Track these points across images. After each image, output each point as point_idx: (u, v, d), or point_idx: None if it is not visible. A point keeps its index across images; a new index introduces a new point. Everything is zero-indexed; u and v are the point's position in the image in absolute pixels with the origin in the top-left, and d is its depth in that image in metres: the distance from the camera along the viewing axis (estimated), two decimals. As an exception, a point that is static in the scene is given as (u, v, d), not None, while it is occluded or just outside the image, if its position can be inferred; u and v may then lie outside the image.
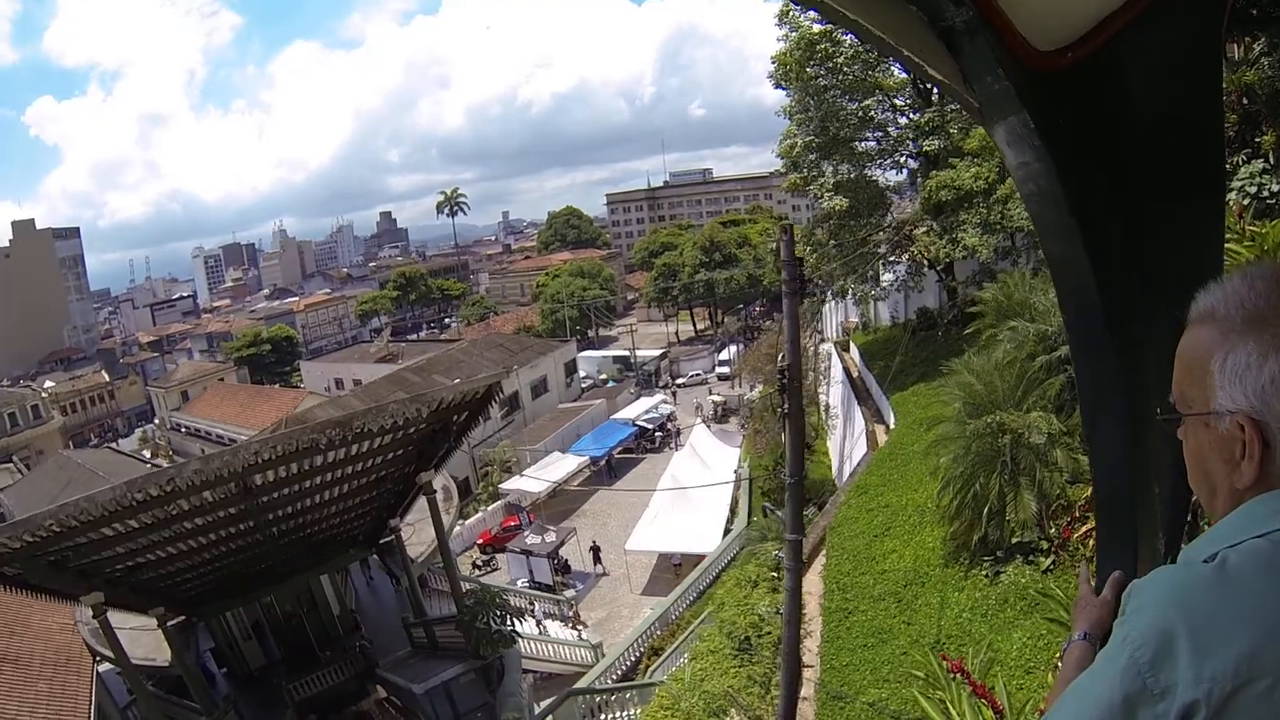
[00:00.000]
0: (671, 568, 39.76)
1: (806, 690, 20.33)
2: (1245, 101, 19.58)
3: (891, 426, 32.33)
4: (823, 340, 38.79)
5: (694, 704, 18.84)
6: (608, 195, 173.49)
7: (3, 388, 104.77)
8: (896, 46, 2.18)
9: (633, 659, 28.48)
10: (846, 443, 38.52)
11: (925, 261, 38.16)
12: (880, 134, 38.71)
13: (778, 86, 39.00)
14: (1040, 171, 2.02)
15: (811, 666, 21.06)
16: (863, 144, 38.65)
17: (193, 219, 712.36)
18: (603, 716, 21.57)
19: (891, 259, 40.92)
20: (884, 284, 41.34)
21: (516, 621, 17.49)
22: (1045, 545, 16.53)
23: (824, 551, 25.39)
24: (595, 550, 44.00)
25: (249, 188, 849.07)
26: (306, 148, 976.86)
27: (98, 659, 27.77)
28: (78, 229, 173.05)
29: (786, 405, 12.19)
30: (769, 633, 20.96)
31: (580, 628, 34.28)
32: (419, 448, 17.55)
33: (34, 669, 27.33)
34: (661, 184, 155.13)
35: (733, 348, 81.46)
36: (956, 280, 38.65)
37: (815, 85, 36.78)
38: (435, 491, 19.37)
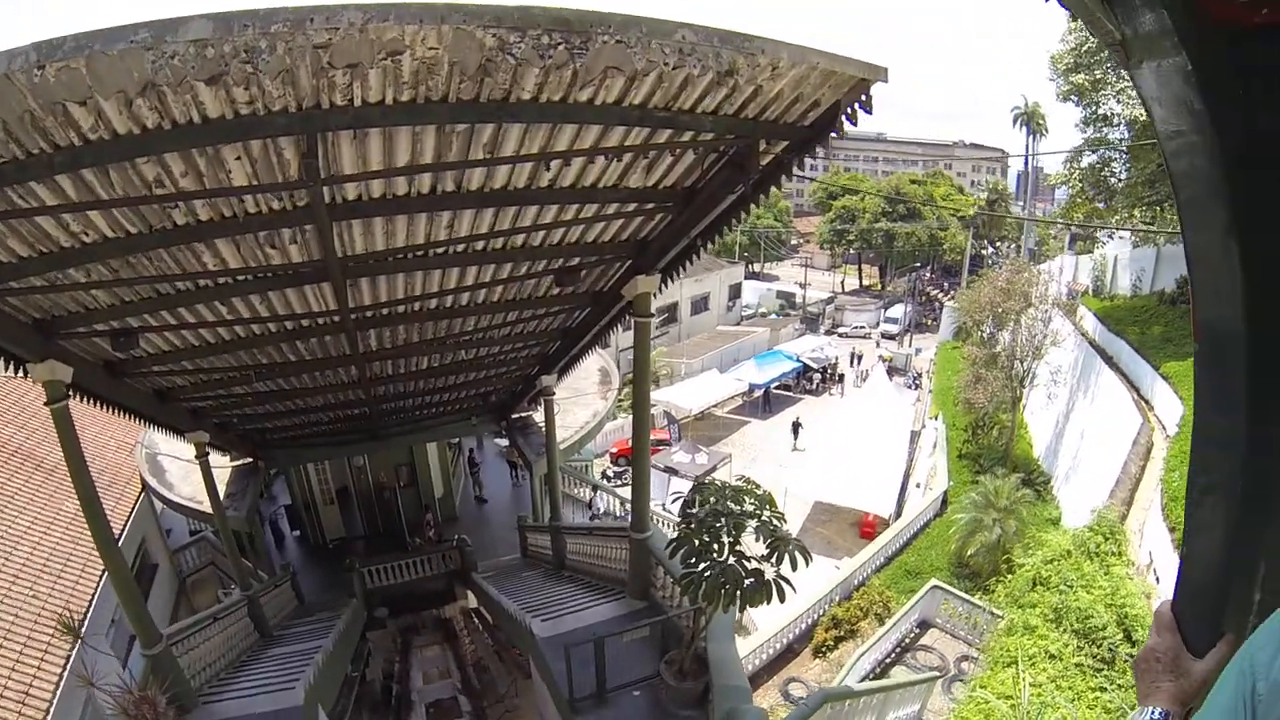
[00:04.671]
0: (830, 521, 33.11)
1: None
2: None
3: (1164, 400, 24.84)
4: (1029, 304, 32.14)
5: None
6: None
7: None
8: None
9: (805, 625, 22.55)
10: (1079, 414, 30.62)
11: None
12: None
13: None
14: (1198, 148, 1.50)
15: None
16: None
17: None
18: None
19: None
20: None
21: (800, 559, 8.58)
22: None
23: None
24: (796, 427, 42.53)
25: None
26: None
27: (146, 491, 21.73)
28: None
29: None
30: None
31: None
32: (661, 205, 8.80)
33: (67, 484, 21.51)
34: (837, 136, 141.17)
35: (901, 307, 72.78)
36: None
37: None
38: (652, 316, 11.05)
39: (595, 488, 28.82)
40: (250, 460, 19.47)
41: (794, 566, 8.43)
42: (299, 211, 6.60)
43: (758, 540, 8.82)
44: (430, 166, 6.24)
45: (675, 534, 9.49)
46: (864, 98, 6.83)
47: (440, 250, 8.55)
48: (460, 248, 8.58)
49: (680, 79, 5.81)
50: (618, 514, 26.74)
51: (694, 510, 9.34)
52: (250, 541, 19.58)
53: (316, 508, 23.40)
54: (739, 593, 8.46)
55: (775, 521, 9.05)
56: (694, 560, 8.84)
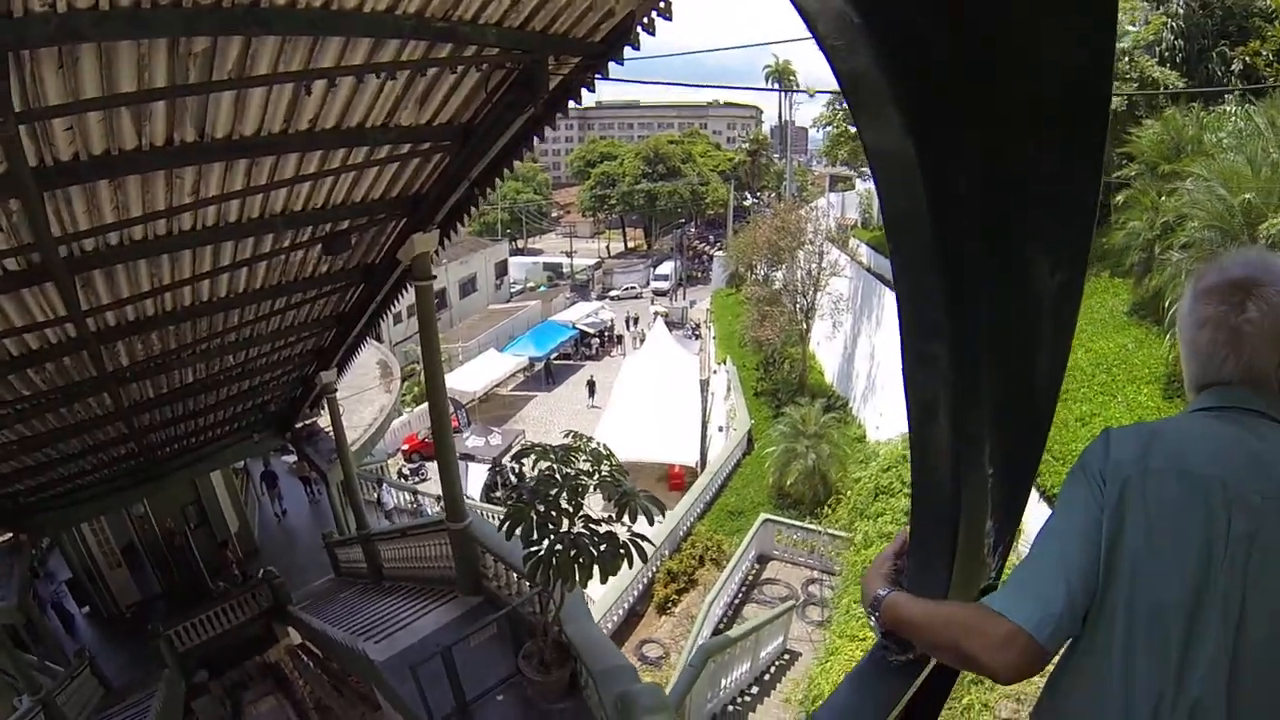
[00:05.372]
0: (637, 478, 31.77)
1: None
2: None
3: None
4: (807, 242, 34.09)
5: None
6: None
7: None
8: None
9: (642, 585, 22.01)
10: (865, 337, 32.03)
11: None
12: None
13: None
14: (861, 56, 1.53)
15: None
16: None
17: None
18: (734, 673, 15.86)
19: None
20: None
21: (654, 515, 7.81)
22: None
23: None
24: (591, 384, 44.27)
25: None
26: None
27: None
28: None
29: None
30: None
31: None
32: (437, 144, 7.66)
33: None
34: (594, 104, 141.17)
35: (670, 263, 74.07)
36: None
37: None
38: (433, 278, 10.18)
39: (381, 482, 27.68)
40: (10, 536, 16.59)
41: (650, 521, 7.72)
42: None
43: (608, 500, 8.02)
44: (164, 92, 4.75)
45: (504, 513, 8.55)
46: (661, 4, 6.15)
47: (187, 225, 7.07)
48: (211, 219, 7.16)
49: (463, -20, 4.90)
50: (428, 511, 25.50)
51: (513, 481, 8.49)
52: (31, 632, 16.82)
53: (102, 574, 20.29)
54: (595, 564, 7.65)
55: (617, 475, 8.32)
56: (535, 537, 7.90)
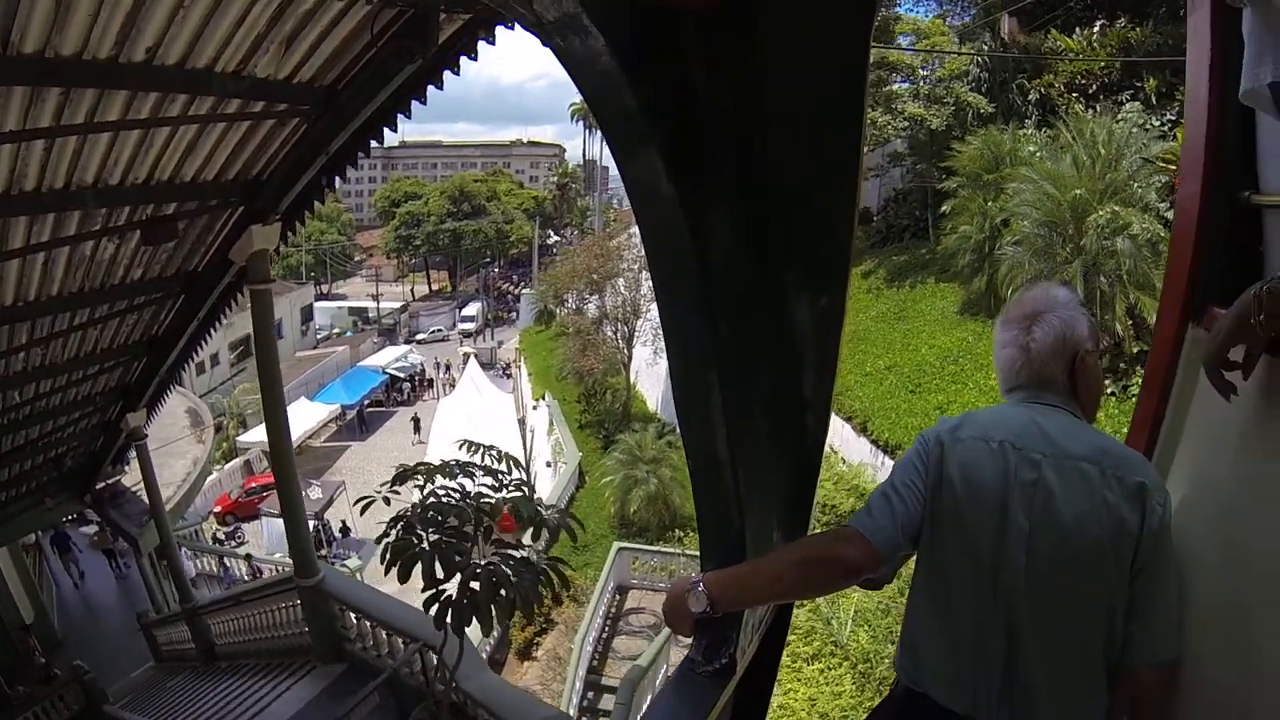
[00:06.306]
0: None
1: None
2: (1126, 53, 22.76)
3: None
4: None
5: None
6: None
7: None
8: None
9: (497, 632, 20.25)
10: None
11: None
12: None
13: None
14: (625, 103, 1.59)
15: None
16: None
17: None
18: (643, 707, 15.27)
19: None
20: None
21: (576, 534, 6.74)
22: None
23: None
24: (416, 421, 42.90)
25: None
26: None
27: None
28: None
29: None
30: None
31: None
32: (295, 108, 6.09)
33: None
34: (398, 144, 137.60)
35: (476, 304, 74.46)
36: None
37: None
38: (273, 281, 8.92)
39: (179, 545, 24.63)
40: None
41: (574, 539, 6.60)
42: None
43: (518, 521, 6.81)
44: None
45: (385, 551, 7.09)
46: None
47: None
48: (2, 181, 5.22)
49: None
50: (238, 574, 22.97)
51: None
52: None
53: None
54: (516, 596, 6.40)
55: (525, 489, 7.15)
56: (440, 575, 6.51)
